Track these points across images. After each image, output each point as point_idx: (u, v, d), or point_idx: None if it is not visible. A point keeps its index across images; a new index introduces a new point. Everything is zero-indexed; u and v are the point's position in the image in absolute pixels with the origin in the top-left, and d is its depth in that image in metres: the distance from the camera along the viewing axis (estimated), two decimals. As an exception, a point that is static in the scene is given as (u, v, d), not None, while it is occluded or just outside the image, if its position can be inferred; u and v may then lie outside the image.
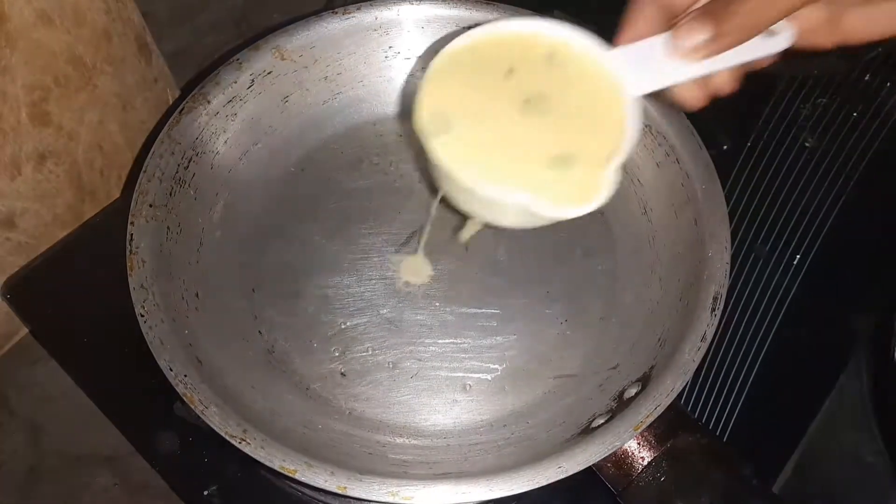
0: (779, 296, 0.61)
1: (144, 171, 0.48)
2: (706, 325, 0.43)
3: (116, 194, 0.68)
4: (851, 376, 0.60)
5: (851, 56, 0.75)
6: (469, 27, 0.56)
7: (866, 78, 0.73)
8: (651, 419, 0.40)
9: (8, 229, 0.60)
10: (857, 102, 0.72)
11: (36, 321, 0.61)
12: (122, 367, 0.55)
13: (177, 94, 0.72)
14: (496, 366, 0.50)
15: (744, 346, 0.59)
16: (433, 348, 0.50)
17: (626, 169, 0.54)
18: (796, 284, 0.62)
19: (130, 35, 0.63)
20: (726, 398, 0.57)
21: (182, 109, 0.51)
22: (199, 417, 0.47)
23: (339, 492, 0.38)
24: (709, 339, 0.43)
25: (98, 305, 0.58)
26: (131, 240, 0.45)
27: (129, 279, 0.44)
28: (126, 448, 0.64)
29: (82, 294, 0.59)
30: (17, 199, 0.60)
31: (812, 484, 0.62)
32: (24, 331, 0.67)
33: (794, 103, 0.72)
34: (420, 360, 0.50)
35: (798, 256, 0.63)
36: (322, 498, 0.51)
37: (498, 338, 0.51)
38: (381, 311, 0.52)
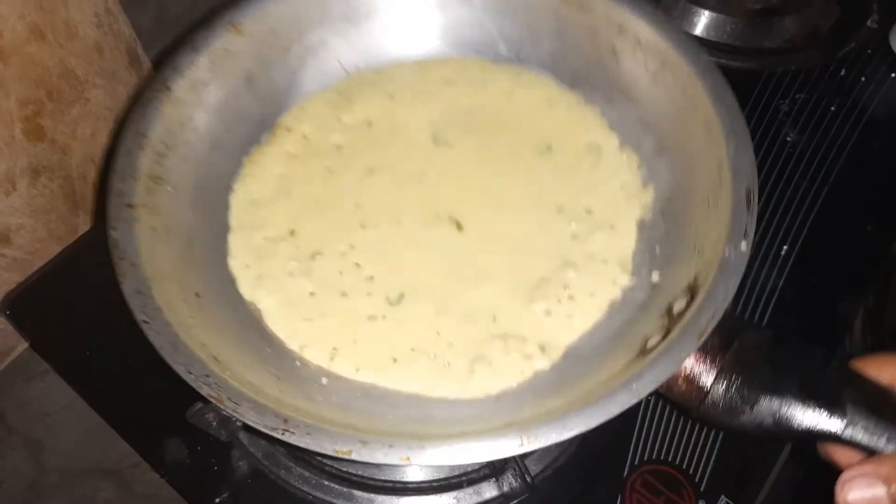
0: (769, 286, 0.63)
1: (115, 171, 0.43)
2: (745, 222, 0.40)
3: (110, 207, 0.68)
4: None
5: (827, 51, 0.77)
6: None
7: (842, 73, 0.76)
8: (712, 325, 0.37)
9: (3, 245, 0.60)
10: (834, 96, 0.74)
11: (37, 336, 0.60)
12: (126, 378, 0.55)
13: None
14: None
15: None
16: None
17: (624, 91, 0.52)
18: (785, 274, 0.64)
19: (121, 48, 0.63)
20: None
21: (141, 100, 0.46)
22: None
23: (403, 463, 0.35)
24: (751, 236, 0.40)
25: (98, 317, 0.57)
26: (116, 246, 0.41)
27: (122, 287, 0.40)
28: (128, 461, 0.63)
29: (82, 307, 0.59)
30: (11, 215, 0.59)
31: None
32: (21, 348, 0.67)
33: (773, 99, 0.73)
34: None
35: (785, 247, 0.65)
36: (333, 499, 0.51)
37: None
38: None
